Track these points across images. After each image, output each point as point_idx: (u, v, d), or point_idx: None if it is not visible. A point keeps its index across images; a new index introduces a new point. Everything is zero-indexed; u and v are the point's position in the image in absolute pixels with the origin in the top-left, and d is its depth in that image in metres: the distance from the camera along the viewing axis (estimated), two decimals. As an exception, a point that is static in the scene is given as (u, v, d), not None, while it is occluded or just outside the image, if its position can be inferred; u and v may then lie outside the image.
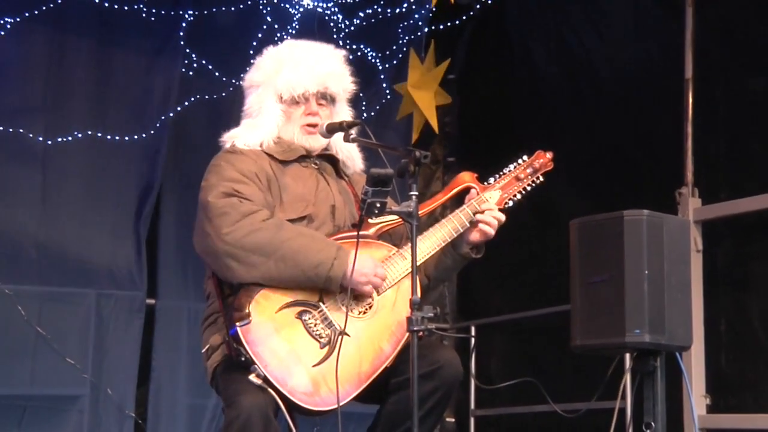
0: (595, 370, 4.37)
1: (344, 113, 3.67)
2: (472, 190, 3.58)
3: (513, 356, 6.58)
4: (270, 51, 3.68)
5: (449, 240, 3.49)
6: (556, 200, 5.75)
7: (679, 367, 4.01)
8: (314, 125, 3.55)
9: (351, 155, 3.67)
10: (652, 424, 3.85)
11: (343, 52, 3.71)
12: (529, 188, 3.68)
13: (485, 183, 3.63)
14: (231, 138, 3.55)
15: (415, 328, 3.02)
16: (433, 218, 3.77)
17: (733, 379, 5.23)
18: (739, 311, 5.24)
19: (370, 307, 3.37)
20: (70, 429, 5.74)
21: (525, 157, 3.72)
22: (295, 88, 3.55)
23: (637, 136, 5.88)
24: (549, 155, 3.73)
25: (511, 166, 3.69)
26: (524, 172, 3.68)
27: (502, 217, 3.54)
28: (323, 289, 3.30)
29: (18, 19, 5.65)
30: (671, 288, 3.82)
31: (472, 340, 6.49)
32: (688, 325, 3.93)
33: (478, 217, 3.50)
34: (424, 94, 6.80)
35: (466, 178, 3.62)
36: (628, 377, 4.55)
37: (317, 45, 3.71)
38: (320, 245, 3.30)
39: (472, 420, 6.61)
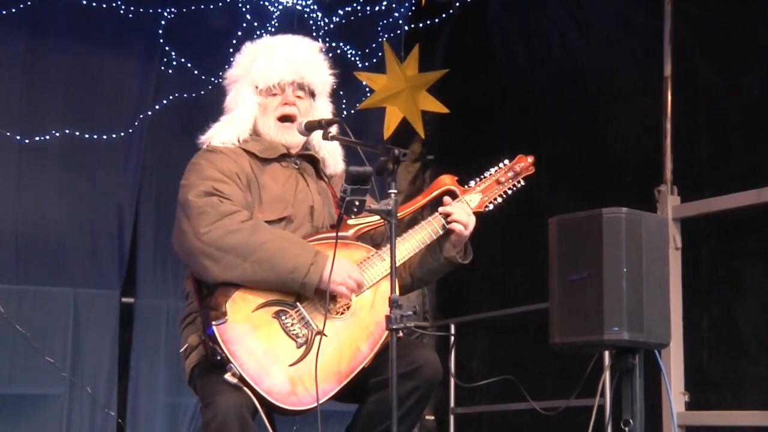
0: (575, 368, 4.38)
1: (324, 108, 3.64)
2: (446, 197, 3.56)
3: (493, 354, 6.59)
4: (248, 46, 3.66)
5: (428, 242, 3.48)
6: (536, 198, 5.75)
7: (658, 365, 4.02)
8: (290, 116, 3.53)
9: (333, 153, 3.64)
10: (631, 421, 3.86)
11: (320, 44, 3.69)
12: (510, 192, 3.66)
13: (466, 186, 3.61)
14: (208, 138, 3.53)
15: (394, 327, 3.01)
16: (414, 220, 3.74)
17: (715, 376, 5.25)
18: (722, 309, 5.26)
19: (348, 308, 3.35)
20: (49, 428, 5.72)
21: (506, 161, 3.70)
22: (269, 77, 3.53)
23: (616, 133, 5.90)
24: (530, 159, 3.72)
25: (492, 170, 3.67)
26: (505, 176, 3.66)
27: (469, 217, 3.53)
28: (298, 293, 3.29)
29: (-6, 17, 5.63)
30: (650, 286, 3.83)
31: (452, 338, 6.49)
32: (666, 322, 3.94)
33: (449, 213, 3.49)
34: (409, 96, 6.74)
35: (447, 180, 3.60)
36: (607, 375, 4.57)
37: (292, 37, 3.70)
38: (298, 249, 3.27)
39: (452, 418, 6.62)
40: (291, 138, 3.53)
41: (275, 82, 3.53)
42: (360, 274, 3.32)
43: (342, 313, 3.34)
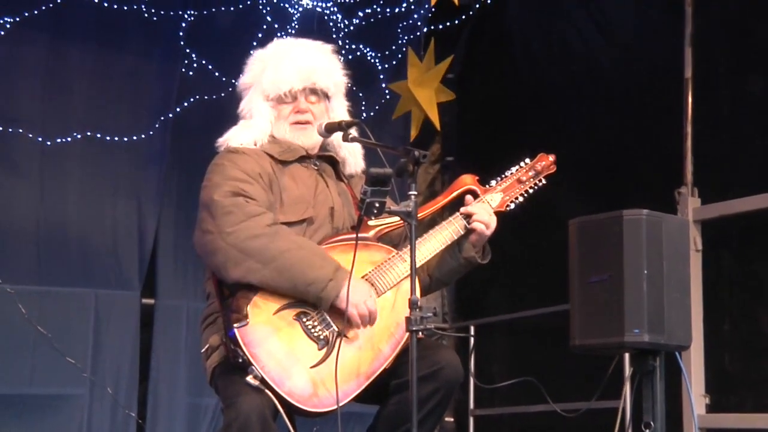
0: (595, 370, 4.37)
1: (340, 109, 3.62)
2: (468, 196, 3.56)
3: (513, 356, 6.58)
4: (258, 52, 3.64)
5: (449, 243, 3.47)
6: (555, 199, 5.72)
7: (679, 367, 4.00)
8: (304, 123, 3.52)
9: (353, 152, 3.63)
10: (652, 423, 3.85)
11: (331, 46, 3.66)
12: (531, 191, 3.64)
13: (487, 186, 3.60)
14: (225, 140, 3.52)
15: (414, 328, 3.01)
16: (434, 221, 3.74)
17: (737, 378, 5.23)
18: (744, 310, 5.24)
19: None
20: (70, 428, 5.74)
21: (527, 160, 3.68)
22: (280, 86, 3.51)
23: (637, 135, 5.88)
24: (551, 158, 3.69)
25: (513, 169, 3.65)
26: (526, 175, 3.64)
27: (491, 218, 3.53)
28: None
29: (17, 19, 5.65)
30: (670, 288, 3.82)
31: (472, 339, 6.49)
32: (687, 324, 3.93)
33: (471, 213, 3.49)
34: (425, 91, 6.76)
35: (467, 180, 3.59)
36: (627, 377, 4.56)
37: (302, 41, 3.66)
38: (319, 261, 3.26)
39: (471, 420, 6.61)
40: (307, 139, 3.53)
41: (286, 90, 3.51)
42: (375, 304, 3.29)
43: (364, 315, 3.34)
